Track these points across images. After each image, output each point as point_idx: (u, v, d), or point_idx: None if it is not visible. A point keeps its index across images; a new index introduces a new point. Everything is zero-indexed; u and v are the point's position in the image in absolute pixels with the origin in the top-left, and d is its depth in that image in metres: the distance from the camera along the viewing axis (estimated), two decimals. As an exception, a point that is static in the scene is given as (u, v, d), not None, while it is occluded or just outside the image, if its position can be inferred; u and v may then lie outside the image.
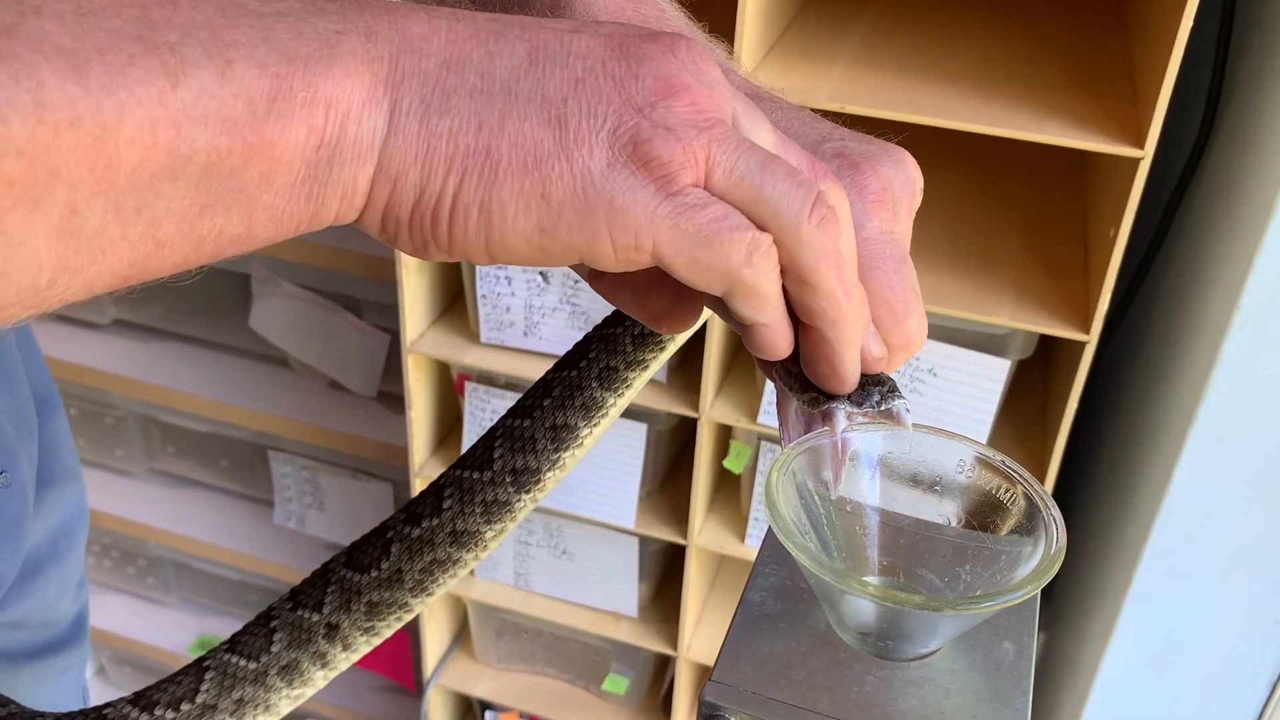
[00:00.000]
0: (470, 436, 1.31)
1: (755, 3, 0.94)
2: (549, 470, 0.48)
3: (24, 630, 0.71)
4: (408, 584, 0.47)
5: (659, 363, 0.49)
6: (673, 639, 1.36)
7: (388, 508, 1.58)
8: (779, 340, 0.38)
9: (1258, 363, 0.97)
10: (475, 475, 0.47)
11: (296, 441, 1.58)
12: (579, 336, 0.50)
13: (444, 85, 0.32)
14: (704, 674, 1.48)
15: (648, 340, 0.48)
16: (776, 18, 1.06)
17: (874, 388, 0.41)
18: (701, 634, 1.38)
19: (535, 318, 1.21)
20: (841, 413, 0.40)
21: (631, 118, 0.33)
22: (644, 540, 1.32)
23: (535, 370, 1.22)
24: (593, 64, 0.33)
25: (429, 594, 0.48)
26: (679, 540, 1.27)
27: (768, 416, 1.14)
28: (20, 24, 0.25)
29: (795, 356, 0.40)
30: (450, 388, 1.35)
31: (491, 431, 0.48)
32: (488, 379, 1.27)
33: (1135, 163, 0.89)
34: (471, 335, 1.26)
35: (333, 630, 0.48)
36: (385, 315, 1.48)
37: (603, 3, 0.45)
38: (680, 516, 1.27)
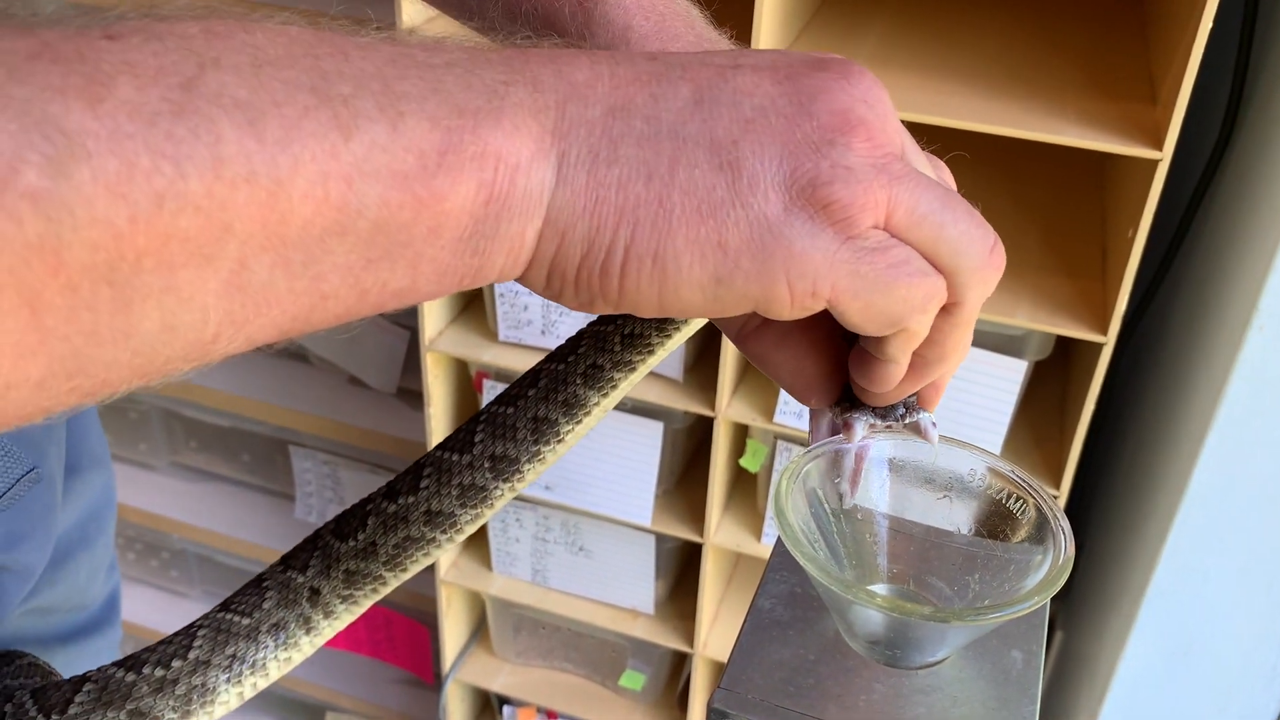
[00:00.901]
0: (488, 433, 1.31)
1: (772, 5, 0.94)
2: (527, 462, 0.47)
3: (55, 614, 0.72)
4: (381, 557, 0.47)
5: (647, 367, 0.49)
6: (689, 636, 1.37)
7: (407, 503, 1.59)
8: (900, 376, 0.38)
9: (1277, 363, 0.97)
10: (455, 457, 0.47)
11: (317, 436, 1.59)
12: (595, 337, 0.50)
13: (610, 133, 0.31)
14: (720, 671, 1.48)
15: (636, 342, 0.48)
16: (793, 18, 1.06)
17: (899, 401, 0.40)
18: (717, 631, 1.38)
19: (553, 316, 1.22)
20: (862, 424, 0.40)
21: (808, 158, 0.31)
22: (660, 538, 1.33)
23: (553, 368, 1.23)
24: (761, 102, 0.32)
25: (403, 569, 0.48)
26: (695, 538, 1.27)
27: (784, 416, 1.15)
28: (200, 77, 0.25)
29: None
30: (469, 385, 1.36)
31: (476, 416, 0.48)
32: (506, 377, 1.28)
33: (1154, 164, 0.88)
34: (489, 333, 1.26)
35: (315, 595, 0.48)
36: (404, 312, 1.49)
37: (620, 22, 0.45)
38: (696, 515, 1.28)
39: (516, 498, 1.35)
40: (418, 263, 0.29)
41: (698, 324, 0.50)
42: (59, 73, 0.23)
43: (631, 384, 0.49)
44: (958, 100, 0.96)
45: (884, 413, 0.40)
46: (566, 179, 0.30)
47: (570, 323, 1.21)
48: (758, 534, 1.27)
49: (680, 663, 1.49)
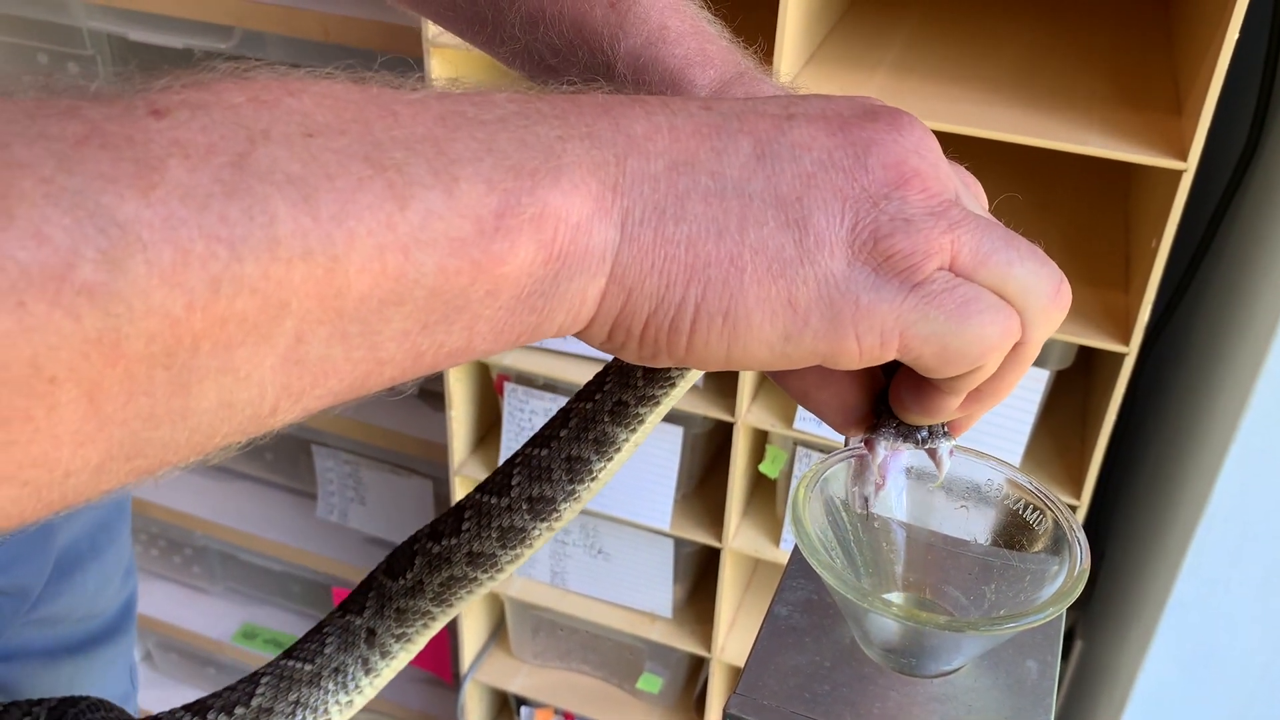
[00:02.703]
0: (509, 435, 1.32)
1: (796, 11, 0.94)
2: (564, 501, 0.48)
3: (63, 625, 0.72)
4: (429, 594, 0.48)
5: (671, 400, 0.49)
6: (706, 640, 1.37)
7: (427, 503, 1.60)
8: (954, 407, 0.38)
9: (1301, 376, 0.96)
10: (493, 500, 0.48)
11: (339, 437, 1.60)
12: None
13: (676, 190, 0.30)
14: (737, 675, 1.48)
15: (658, 375, 0.48)
16: (817, 25, 1.06)
17: (924, 423, 0.41)
18: (735, 636, 1.38)
19: (575, 320, 1.22)
20: (885, 445, 0.41)
21: (868, 213, 0.31)
22: (679, 542, 1.33)
23: (572, 372, 1.23)
24: (820, 156, 0.32)
25: (450, 606, 0.49)
26: (714, 543, 1.27)
27: (804, 422, 1.15)
28: (251, 152, 0.24)
29: None
30: (490, 388, 1.36)
31: (511, 459, 0.49)
32: (526, 380, 1.29)
33: (1178, 175, 0.88)
34: (512, 336, 1.27)
35: (371, 636, 0.49)
36: (427, 314, 1.50)
37: (655, 20, 0.45)
38: (715, 519, 1.28)
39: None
40: (474, 324, 0.28)
41: None
42: (109, 159, 0.22)
43: (658, 417, 0.49)
44: (982, 109, 0.96)
45: (907, 433, 0.40)
46: (632, 236, 0.30)
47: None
48: (776, 539, 1.27)
49: (697, 666, 1.49)
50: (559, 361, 1.24)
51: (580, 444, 0.48)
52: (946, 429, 0.41)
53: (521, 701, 1.54)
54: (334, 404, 0.28)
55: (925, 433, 0.40)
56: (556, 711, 1.51)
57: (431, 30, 1.05)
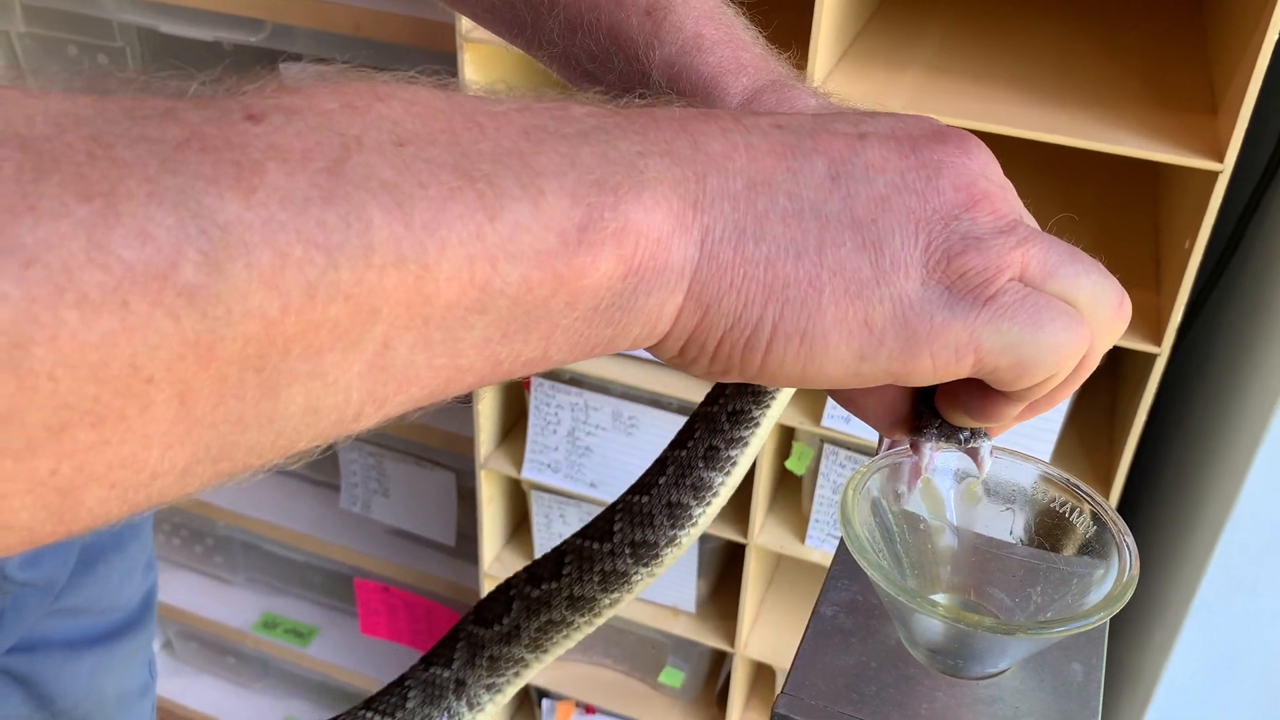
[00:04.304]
0: (534, 430, 1.33)
1: (830, 12, 0.94)
2: (666, 546, 0.49)
3: (86, 616, 0.72)
4: (524, 640, 0.49)
5: (759, 440, 0.50)
6: (729, 635, 1.37)
7: (450, 495, 1.60)
8: (1015, 414, 0.38)
9: (1333, 379, 0.96)
10: (595, 545, 0.49)
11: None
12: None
13: (755, 209, 0.31)
14: (760, 670, 1.49)
15: (741, 418, 0.49)
16: (849, 25, 1.06)
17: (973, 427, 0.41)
18: (758, 632, 1.39)
19: (602, 315, 1.22)
20: (929, 446, 0.41)
21: (939, 233, 0.32)
22: (704, 537, 1.33)
23: (597, 368, 1.24)
24: (893, 178, 0.32)
25: (545, 652, 0.50)
26: (739, 539, 1.28)
27: (831, 420, 1.15)
28: (346, 159, 0.24)
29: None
30: (518, 383, 1.37)
31: (612, 507, 0.50)
32: (552, 374, 1.29)
33: (1214, 176, 0.88)
34: (539, 330, 1.27)
35: (460, 686, 0.50)
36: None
37: (690, 29, 0.46)
38: (741, 515, 1.28)
39: (557, 493, 1.36)
40: (552, 334, 0.29)
41: (792, 391, 0.52)
42: (210, 161, 0.23)
43: (749, 459, 0.51)
44: (1014, 108, 0.95)
45: (950, 433, 0.41)
46: (711, 254, 0.30)
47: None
48: (801, 536, 1.27)
49: (719, 661, 1.49)
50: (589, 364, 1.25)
51: (679, 490, 0.49)
52: (986, 429, 0.41)
53: (543, 694, 1.55)
54: (413, 409, 0.28)
55: (967, 433, 0.41)
56: (578, 704, 1.52)
57: (465, 25, 1.06)
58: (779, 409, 0.51)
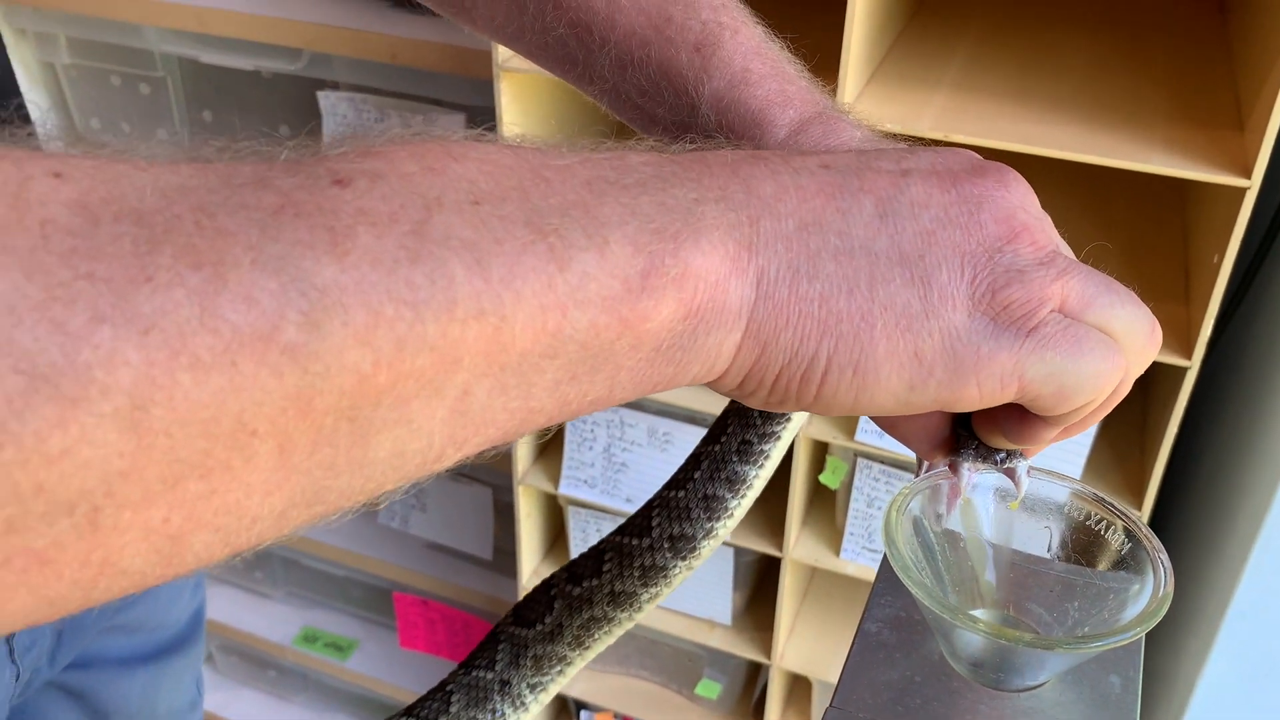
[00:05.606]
0: (571, 445, 1.35)
1: (860, 33, 0.96)
2: (704, 539, 0.50)
3: (138, 634, 0.74)
4: (567, 638, 0.51)
5: (791, 432, 0.52)
6: (765, 647, 1.39)
7: (487, 510, 1.62)
8: (1051, 437, 0.39)
9: (1364, 389, 0.96)
10: (634, 541, 0.51)
11: (401, 445, 1.63)
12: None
13: (808, 249, 0.32)
14: (796, 682, 1.50)
15: (772, 415, 0.50)
16: (876, 48, 1.07)
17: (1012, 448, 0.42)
18: (794, 644, 1.40)
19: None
20: (967, 468, 0.43)
21: (984, 267, 0.33)
22: (739, 551, 1.35)
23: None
24: (938, 213, 0.34)
25: (587, 649, 0.51)
26: (774, 552, 1.29)
27: (864, 434, 1.16)
28: (429, 220, 0.26)
29: None
30: (552, 398, 1.39)
31: (649, 503, 0.51)
32: (589, 391, 1.31)
33: (1241, 192, 0.89)
34: (574, 349, 1.29)
35: (505, 687, 0.51)
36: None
37: (738, 64, 0.47)
38: (775, 529, 1.30)
39: (594, 508, 1.38)
40: (617, 374, 0.30)
41: None
42: (305, 227, 0.24)
43: (781, 452, 0.52)
44: (1043, 127, 0.97)
45: (986, 454, 0.42)
46: (767, 294, 0.31)
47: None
48: (836, 549, 1.29)
49: (755, 673, 1.50)
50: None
51: (714, 484, 0.50)
52: (1021, 450, 0.43)
53: (581, 706, 1.56)
54: (488, 448, 0.29)
55: (1004, 454, 0.42)
56: (616, 716, 1.53)
57: (502, 54, 1.08)
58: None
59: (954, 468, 0.43)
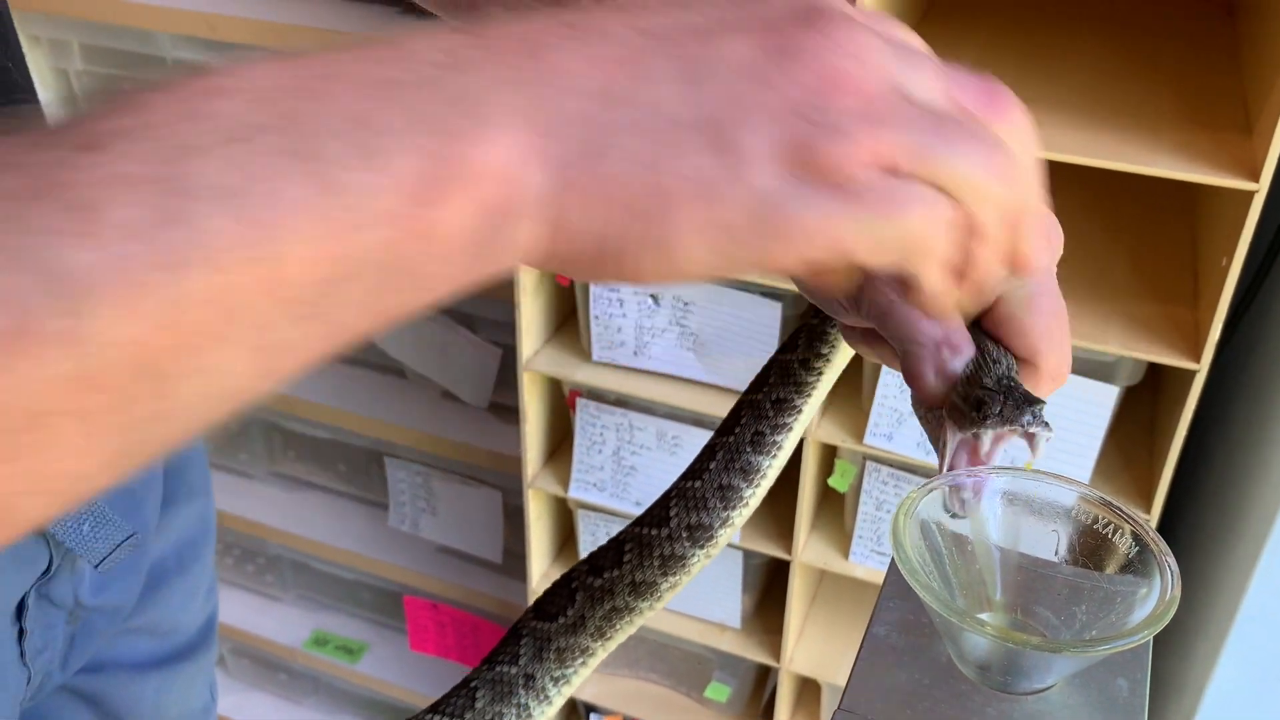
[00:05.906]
0: (580, 449, 1.35)
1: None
2: (720, 528, 0.51)
3: (151, 638, 0.74)
4: (589, 629, 0.51)
5: (802, 423, 0.53)
6: (775, 650, 1.39)
7: (497, 513, 1.63)
8: (945, 307, 0.37)
9: (1373, 393, 0.96)
10: (653, 532, 0.51)
11: (411, 448, 1.64)
12: (687, 357, 0.54)
13: (605, 125, 0.30)
14: (805, 685, 1.50)
15: (784, 406, 0.52)
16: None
17: (1028, 407, 0.41)
18: (803, 647, 1.40)
19: (645, 338, 1.25)
20: (989, 435, 0.42)
21: (796, 125, 0.31)
22: (748, 554, 1.35)
23: (644, 388, 1.26)
24: (748, 71, 0.31)
25: (609, 640, 0.52)
26: (783, 555, 1.29)
27: (873, 437, 1.16)
28: (183, 173, 0.25)
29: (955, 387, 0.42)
30: (562, 402, 1.39)
31: (666, 494, 0.52)
32: (598, 395, 1.31)
33: (1250, 195, 0.89)
34: (583, 354, 1.30)
35: (530, 680, 0.52)
36: (498, 331, 1.53)
37: None
38: (784, 532, 1.30)
39: (603, 511, 1.39)
40: (426, 281, 0.29)
41: (833, 378, 0.54)
42: (50, 210, 0.23)
43: (793, 443, 0.53)
44: (1050, 131, 0.97)
45: (1011, 416, 0.41)
46: (565, 179, 0.30)
47: (662, 344, 1.24)
48: (845, 552, 1.29)
49: (765, 676, 1.51)
50: (630, 378, 1.27)
51: (730, 474, 0.52)
52: (1041, 415, 0.42)
53: (590, 709, 1.57)
54: (310, 368, 0.29)
55: (1030, 416, 0.41)
56: (625, 718, 1.54)
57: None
58: (821, 395, 0.53)
59: (976, 440, 0.42)
